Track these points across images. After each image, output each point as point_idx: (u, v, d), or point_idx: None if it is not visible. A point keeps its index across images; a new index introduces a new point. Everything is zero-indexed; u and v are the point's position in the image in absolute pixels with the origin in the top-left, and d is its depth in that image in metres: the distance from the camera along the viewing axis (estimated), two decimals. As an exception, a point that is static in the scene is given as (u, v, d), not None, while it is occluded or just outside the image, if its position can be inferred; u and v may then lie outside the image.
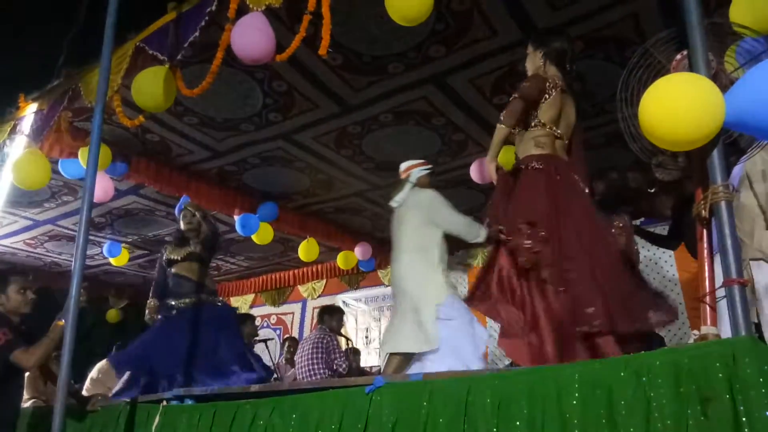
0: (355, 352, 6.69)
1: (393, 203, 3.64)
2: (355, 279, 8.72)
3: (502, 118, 2.71)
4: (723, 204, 1.67)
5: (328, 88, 4.36)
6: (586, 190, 2.75)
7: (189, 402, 3.00)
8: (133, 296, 9.73)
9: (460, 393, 1.87)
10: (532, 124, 2.76)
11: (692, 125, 1.66)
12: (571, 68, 2.87)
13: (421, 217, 3.42)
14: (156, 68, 3.32)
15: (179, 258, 4.42)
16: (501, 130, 2.72)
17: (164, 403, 3.03)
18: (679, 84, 1.72)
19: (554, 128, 2.74)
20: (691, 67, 1.80)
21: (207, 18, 3.15)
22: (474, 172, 5.32)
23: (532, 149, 2.73)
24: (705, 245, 1.78)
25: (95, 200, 3.53)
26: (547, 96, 2.71)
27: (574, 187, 2.70)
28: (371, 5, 3.31)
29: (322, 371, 5.03)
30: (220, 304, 4.56)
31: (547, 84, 2.72)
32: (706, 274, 1.76)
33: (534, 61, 2.89)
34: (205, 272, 4.50)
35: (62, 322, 2.96)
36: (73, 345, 2.62)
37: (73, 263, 2.79)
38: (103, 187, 4.90)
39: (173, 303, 4.32)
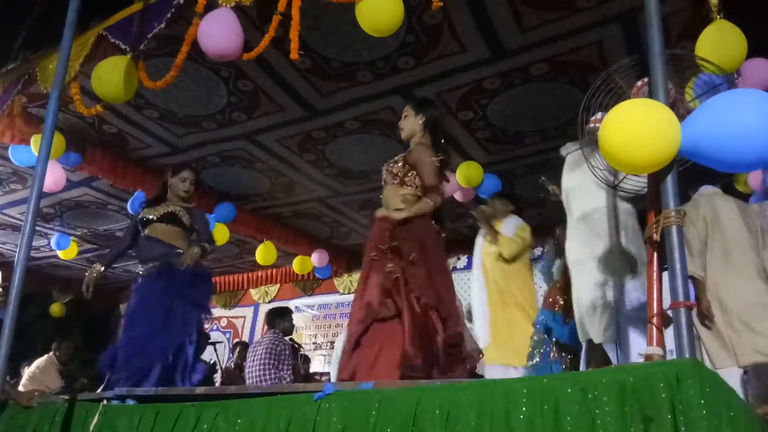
0: (305, 360, 6.62)
1: None
2: (309, 285, 8.65)
3: (430, 196, 2.89)
4: (674, 228, 1.72)
5: (295, 91, 4.33)
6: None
7: (131, 402, 2.91)
8: (79, 291, 9.44)
9: (409, 403, 1.86)
10: (407, 182, 2.95)
11: (649, 150, 1.71)
12: (442, 137, 3.11)
13: None
14: (118, 57, 3.24)
15: (155, 218, 3.78)
16: (429, 206, 2.88)
17: (104, 402, 2.93)
18: (638, 110, 1.77)
19: (420, 192, 2.95)
20: (651, 95, 1.85)
21: (174, 10, 3.10)
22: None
23: (400, 204, 2.92)
24: (654, 267, 1.83)
25: (45, 190, 3.40)
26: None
27: (433, 240, 2.92)
28: (343, 11, 3.31)
29: (273, 377, 4.95)
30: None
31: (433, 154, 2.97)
32: (654, 295, 1.81)
33: (413, 125, 3.08)
34: (185, 242, 3.79)
35: None
36: (11, 339, 2.52)
37: (16, 254, 2.70)
38: (54, 176, 4.74)
39: (140, 271, 3.73)
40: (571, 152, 3.39)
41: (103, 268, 3.85)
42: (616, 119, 1.78)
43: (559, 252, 3.84)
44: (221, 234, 6.32)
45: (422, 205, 2.88)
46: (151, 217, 3.78)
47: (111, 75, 3.19)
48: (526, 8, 3.41)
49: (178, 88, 4.27)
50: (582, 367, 3.42)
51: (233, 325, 9.26)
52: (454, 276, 8.26)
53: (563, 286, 3.78)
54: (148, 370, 3.41)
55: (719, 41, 2.48)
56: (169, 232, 3.76)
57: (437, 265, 2.84)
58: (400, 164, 2.99)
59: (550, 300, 3.91)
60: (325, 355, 8.03)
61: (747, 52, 2.49)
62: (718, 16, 2.55)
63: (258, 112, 4.64)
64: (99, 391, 3.44)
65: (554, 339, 3.79)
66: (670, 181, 1.78)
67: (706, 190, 3.35)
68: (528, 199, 6.12)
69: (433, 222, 2.97)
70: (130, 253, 3.99)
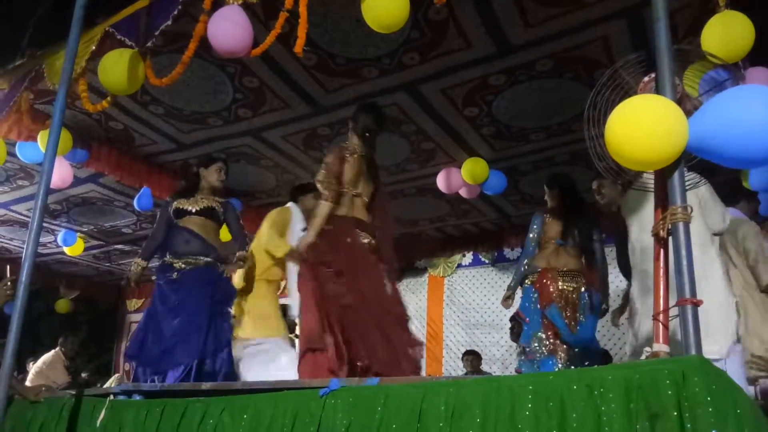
0: None
1: None
2: (315, 282, 8.64)
3: (323, 195, 3.17)
4: (681, 225, 1.71)
5: (301, 88, 4.33)
6: (373, 245, 3.26)
7: (137, 397, 2.93)
8: (86, 287, 9.50)
9: (414, 399, 1.86)
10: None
11: (656, 147, 1.70)
12: (373, 140, 3.40)
13: None
14: (124, 50, 3.26)
15: (193, 210, 3.81)
16: (325, 206, 3.15)
17: (111, 397, 2.95)
18: (645, 106, 1.76)
19: (352, 189, 3.26)
20: (658, 90, 1.84)
21: (180, 7, 3.10)
22: (441, 182, 5.37)
23: (336, 209, 3.21)
24: (661, 264, 1.82)
25: (52, 186, 3.41)
26: (348, 162, 3.25)
27: (360, 246, 3.21)
28: (348, 7, 3.31)
29: None
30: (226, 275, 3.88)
31: (345, 152, 3.28)
32: (661, 292, 1.80)
33: (351, 134, 3.39)
34: (218, 238, 3.91)
35: None
36: (19, 334, 2.53)
37: (24, 250, 2.71)
38: (62, 173, 4.77)
39: (174, 262, 3.70)
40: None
41: (145, 263, 3.86)
42: (623, 115, 1.77)
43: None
44: (226, 230, 6.32)
45: (316, 213, 3.17)
46: (189, 208, 3.82)
47: (116, 66, 3.21)
48: (532, 4, 3.39)
49: (184, 85, 4.27)
50: None
51: (238, 321, 9.26)
52: (459, 273, 8.22)
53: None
54: (179, 368, 3.50)
55: (726, 29, 2.46)
56: (206, 227, 3.83)
57: (353, 275, 3.09)
58: None
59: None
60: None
61: (754, 42, 2.47)
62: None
63: (263, 108, 4.64)
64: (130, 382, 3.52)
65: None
66: (677, 177, 1.77)
67: (734, 215, 3.37)
68: (532, 195, 6.12)
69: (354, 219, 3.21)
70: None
